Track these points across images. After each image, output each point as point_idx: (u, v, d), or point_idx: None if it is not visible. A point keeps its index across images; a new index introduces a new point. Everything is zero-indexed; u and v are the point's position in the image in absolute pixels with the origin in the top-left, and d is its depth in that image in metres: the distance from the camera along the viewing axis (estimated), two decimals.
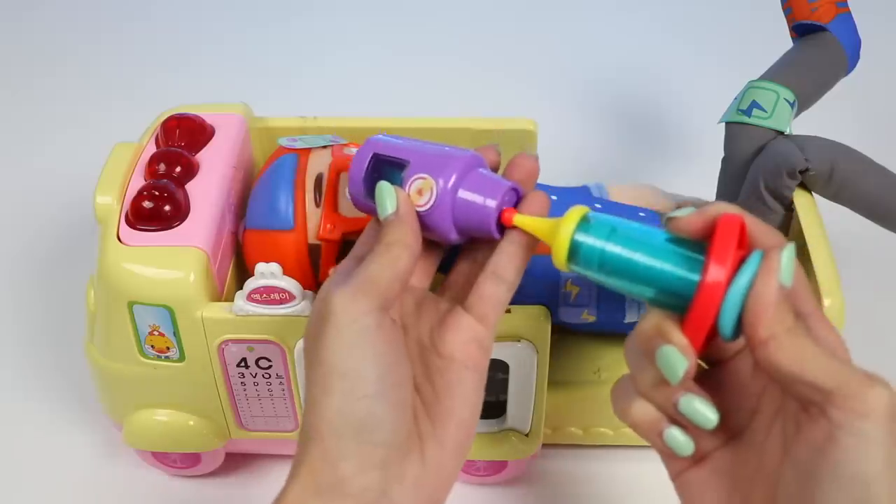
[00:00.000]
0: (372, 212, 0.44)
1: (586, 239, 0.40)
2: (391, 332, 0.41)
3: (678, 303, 0.38)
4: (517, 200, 0.43)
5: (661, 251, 0.38)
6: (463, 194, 0.42)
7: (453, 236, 0.43)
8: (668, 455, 0.41)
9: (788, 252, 0.36)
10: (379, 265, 0.40)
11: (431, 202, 0.42)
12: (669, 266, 0.38)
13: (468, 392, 0.42)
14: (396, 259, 0.41)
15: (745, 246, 0.38)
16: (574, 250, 0.40)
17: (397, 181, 0.43)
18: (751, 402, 0.40)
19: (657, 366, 0.37)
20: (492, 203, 0.42)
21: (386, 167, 0.44)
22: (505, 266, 0.43)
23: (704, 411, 0.38)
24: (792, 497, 0.36)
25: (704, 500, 0.40)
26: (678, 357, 0.37)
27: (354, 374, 0.40)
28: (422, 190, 0.42)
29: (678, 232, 0.38)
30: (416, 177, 0.43)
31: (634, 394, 0.40)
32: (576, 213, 0.41)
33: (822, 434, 0.35)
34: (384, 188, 0.42)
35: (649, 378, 0.39)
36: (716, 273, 0.36)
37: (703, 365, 0.42)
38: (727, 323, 0.36)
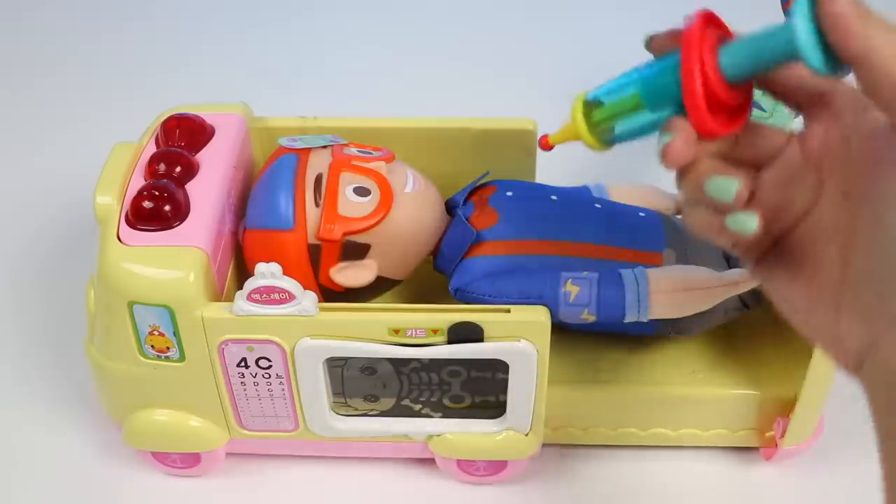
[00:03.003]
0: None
1: (595, 113, 0.43)
2: None
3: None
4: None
5: (652, 72, 0.41)
6: None
7: None
8: (742, 245, 0.41)
9: None
10: None
11: None
12: (659, 74, 0.40)
13: None
14: None
15: (722, 26, 0.39)
16: (594, 128, 0.43)
17: None
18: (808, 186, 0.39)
19: (706, 191, 0.38)
20: None
21: None
22: None
23: (729, 184, 0.38)
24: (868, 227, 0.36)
25: (797, 294, 0.39)
26: (678, 142, 0.38)
27: None
28: None
29: (658, 49, 0.40)
30: None
31: (692, 203, 0.40)
32: (577, 102, 0.44)
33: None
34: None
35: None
36: (690, 27, 0.38)
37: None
38: (806, 47, 0.34)
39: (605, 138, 0.44)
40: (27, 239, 0.78)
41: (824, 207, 0.38)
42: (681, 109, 0.39)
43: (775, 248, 0.40)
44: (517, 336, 0.52)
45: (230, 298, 0.52)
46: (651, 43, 0.41)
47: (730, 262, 0.58)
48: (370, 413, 0.58)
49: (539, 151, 0.63)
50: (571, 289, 0.52)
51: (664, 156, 0.39)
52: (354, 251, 0.54)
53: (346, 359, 0.54)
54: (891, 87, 0.33)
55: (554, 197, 0.58)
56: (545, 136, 0.47)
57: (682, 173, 0.40)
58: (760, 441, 0.60)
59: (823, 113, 0.38)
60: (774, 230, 0.40)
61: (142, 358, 0.54)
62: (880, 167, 0.35)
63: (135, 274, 0.51)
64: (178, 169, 0.55)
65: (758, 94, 0.51)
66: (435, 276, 0.59)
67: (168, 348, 0.53)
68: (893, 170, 0.35)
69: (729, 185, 0.38)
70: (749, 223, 0.38)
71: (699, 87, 0.37)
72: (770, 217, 0.40)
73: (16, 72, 0.98)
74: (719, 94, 0.38)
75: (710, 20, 0.39)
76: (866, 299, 0.36)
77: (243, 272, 0.56)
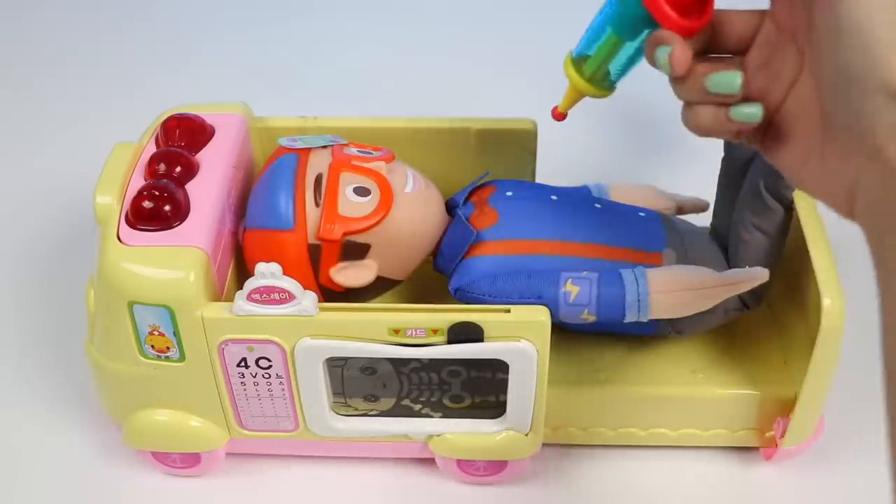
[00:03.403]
0: None
1: (585, 67, 0.49)
2: None
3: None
4: None
5: (615, 7, 0.46)
6: None
7: None
8: (750, 131, 0.44)
9: None
10: None
11: None
12: (621, 6, 0.45)
13: None
14: None
15: None
16: (591, 79, 0.49)
17: None
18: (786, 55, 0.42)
19: (709, 87, 0.42)
20: None
21: None
22: None
23: (733, 78, 0.41)
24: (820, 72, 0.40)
25: (793, 156, 0.43)
26: (672, 52, 0.42)
27: None
28: None
29: None
30: None
31: (693, 105, 0.43)
32: (566, 64, 0.50)
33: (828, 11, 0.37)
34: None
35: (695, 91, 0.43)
36: None
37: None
38: None
39: (605, 83, 0.49)
40: (27, 239, 0.78)
41: (806, 73, 0.41)
42: (654, 25, 0.43)
43: (771, 124, 0.44)
44: (517, 336, 0.52)
45: (230, 298, 0.52)
46: None
47: (730, 262, 0.58)
48: (370, 413, 0.58)
49: (539, 151, 0.63)
50: (571, 289, 0.52)
51: (673, 66, 0.42)
52: (354, 251, 0.54)
53: (346, 359, 0.54)
54: None
55: (554, 197, 0.58)
56: (554, 109, 0.51)
57: (681, 79, 0.43)
58: (760, 441, 0.60)
59: None
60: (770, 108, 0.43)
61: (142, 358, 0.54)
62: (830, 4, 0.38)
63: (135, 274, 0.51)
64: (178, 169, 0.55)
65: None
66: (435, 276, 0.59)
67: (168, 348, 0.53)
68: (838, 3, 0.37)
69: (733, 78, 0.41)
70: (755, 111, 0.42)
71: None
72: (762, 95, 0.43)
73: (16, 72, 0.98)
74: None
75: None
76: (842, 139, 0.39)
77: (243, 272, 0.56)
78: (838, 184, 0.40)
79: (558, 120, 0.52)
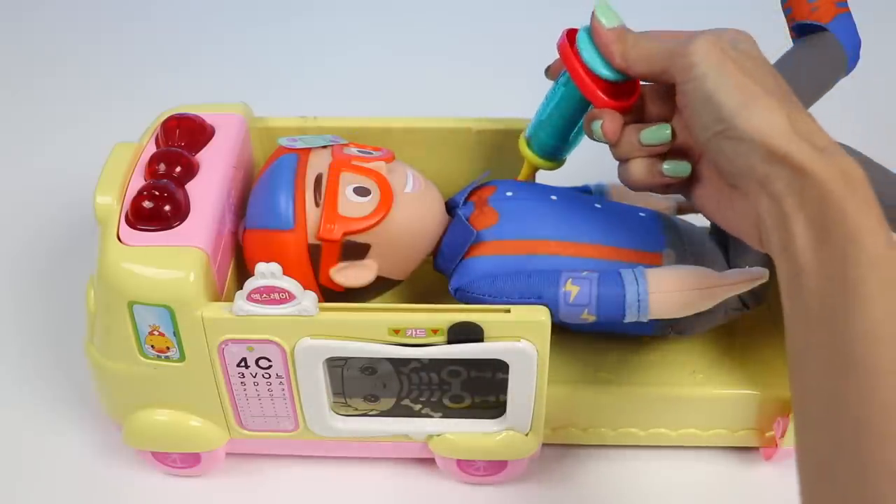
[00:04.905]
0: None
1: (533, 143, 0.58)
2: None
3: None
4: None
5: (556, 95, 0.56)
6: None
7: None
8: (677, 184, 0.52)
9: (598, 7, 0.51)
10: None
11: None
12: (561, 96, 0.55)
13: None
14: None
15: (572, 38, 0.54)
16: (541, 155, 0.58)
17: None
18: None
19: (643, 141, 0.51)
20: None
21: None
22: None
23: (663, 129, 0.51)
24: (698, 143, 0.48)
25: (710, 202, 0.51)
26: (649, 130, 0.51)
27: None
28: None
29: (554, 74, 0.56)
30: None
31: (630, 162, 0.52)
32: (521, 144, 0.59)
33: (687, 87, 0.47)
34: None
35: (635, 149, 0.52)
36: (561, 44, 0.53)
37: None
38: (597, 65, 0.51)
39: (554, 157, 0.58)
40: (27, 239, 0.78)
41: None
42: (589, 106, 0.53)
43: (692, 173, 0.51)
44: (517, 336, 0.52)
45: (230, 298, 0.52)
46: (548, 72, 0.57)
47: (730, 262, 0.58)
48: (370, 413, 0.58)
49: None
50: (571, 289, 0.52)
51: (605, 135, 0.51)
52: (354, 251, 0.54)
53: (346, 359, 0.54)
54: (648, 71, 0.49)
55: (554, 197, 0.58)
56: (517, 178, 0.60)
57: (616, 143, 0.52)
58: (760, 441, 0.60)
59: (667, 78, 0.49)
60: (692, 161, 0.51)
61: (142, 358, 0.54)
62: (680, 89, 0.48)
63: (135, 274, 0.51)
64: (178, 169, 0.55)
65: None
66: (435, 276, 0.59)
67: (168, 348, 0.53)
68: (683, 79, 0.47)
69: (662, 129, 0.51)
70: (683, 166, 0.51)
71: (590, 83, 0.51)
72: (685, 150, 0.52)
73: (16, 72, 0.98)
74: (604, 83, 0.51)
75: (571, 36, 0.53)
76: (739, 183, 0.46)
77: (243, 272, 0.56)
78: (748, 221, 0.47)
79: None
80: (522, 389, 0.54)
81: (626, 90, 0.52)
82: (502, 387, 0.55)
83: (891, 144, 0.72)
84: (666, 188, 0.52)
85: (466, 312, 0.52)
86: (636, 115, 0.53)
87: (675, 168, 0.51)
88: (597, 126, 0.51)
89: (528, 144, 0.58)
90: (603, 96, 0.51)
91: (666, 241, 0.57)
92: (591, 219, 0.57)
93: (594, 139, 0.52)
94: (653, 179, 0.51)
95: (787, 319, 0.44)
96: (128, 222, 0.53)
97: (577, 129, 0.56)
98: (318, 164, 0.56)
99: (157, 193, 0.53)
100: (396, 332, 0.52)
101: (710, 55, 0.46)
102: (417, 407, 0.57)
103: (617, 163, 0.53)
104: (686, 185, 0.52)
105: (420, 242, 0.57)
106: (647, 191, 0.53)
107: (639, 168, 0.51)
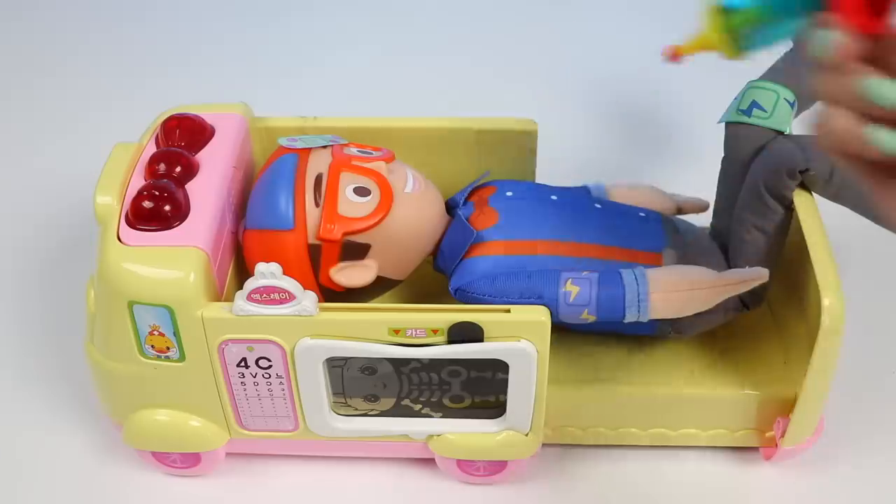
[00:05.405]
0: None
1: (730, 20, 0.42)
2: None
3: None
4: None
5: None
6: None
7: None
8: (878, 169, 0.38)
9: None
10: None
11: None
12: None
13: None
14: None
15: None
16: (729, 36, 0.43)
17: None
18: None
19: (873, 92, 0.36)
20: None
21: None
22: None
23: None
24: None
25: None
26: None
27: None
28: None
29: None
30: None
31: (838, 109, 0.38)
32: (710, 10, 0.43)
33: None
34: None
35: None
36: None
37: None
38: None
39: (741, 46, 0.44)
40: (27, 239, 0.78)
41: None
42: (820, 9, 0.38)
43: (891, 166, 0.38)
44: (517, 336, 0.52)
45: (230, 298, 0.52)
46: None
47: (730, 262, 0.58)
48: (370, 413, 0.58)
49: (539, 151, 0.63)
50: (571, 289, 0.52)
51: (833, 50, 0.37)
52: (354, 251, 0.54)
53: (346, 359, 0.54)
54: None
55: (554, 197, 0.58)
56: (672, 47, 0.46)
57: (834, 70, 0.37)
58: (760, 441, 0.60)
59: None
60: None
61: (142, 358, 0.54)
62: None
63: (135, 274, 0.51)
64: (178, 169, 0.55)
65: (758, 94, 0.51)
66: (435, 276, 0.59)
67: (168, 348, 0.53)
68: None
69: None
70: (891, 140, 0.36)
71: None
72: None
73: (16, 72, 0.98)
74: None
75: None
76: None
77: (243, 272, 0.56)
78: None
79: (671, 59, 0.47)
80: (522, 389, 0.54)
81: (876, 6, 0.38)
82: (502, 387, 0.55)
83: None
84: (857, 168, 0.39)
85: (466, 312, 0.52)
86: (872, 55, 0.38)
87: (883, 139, 0.36)
88: (825, 36, 0.37)
89: (719, 18, 0.44)
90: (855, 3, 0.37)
91: (666, 241, 0.57)
92: (591, 219, 0.57)
93: (811, 48, 0.37)
94: (855, 143, 0.37)
95: None
96: (128, 222, 0.53)
97: (789, 28, 0.42)
98: (318, 164, 0.56)
99: (157, 193, 0.53)
100: (396, 332, 0.52)
101: None
102: (417, 407, 0.57)
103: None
104: (885, 178, 0.39)
105: (420, 242, 0.57)
106: (835, 157, 0.39)
107: (845, 121, 0.37)
